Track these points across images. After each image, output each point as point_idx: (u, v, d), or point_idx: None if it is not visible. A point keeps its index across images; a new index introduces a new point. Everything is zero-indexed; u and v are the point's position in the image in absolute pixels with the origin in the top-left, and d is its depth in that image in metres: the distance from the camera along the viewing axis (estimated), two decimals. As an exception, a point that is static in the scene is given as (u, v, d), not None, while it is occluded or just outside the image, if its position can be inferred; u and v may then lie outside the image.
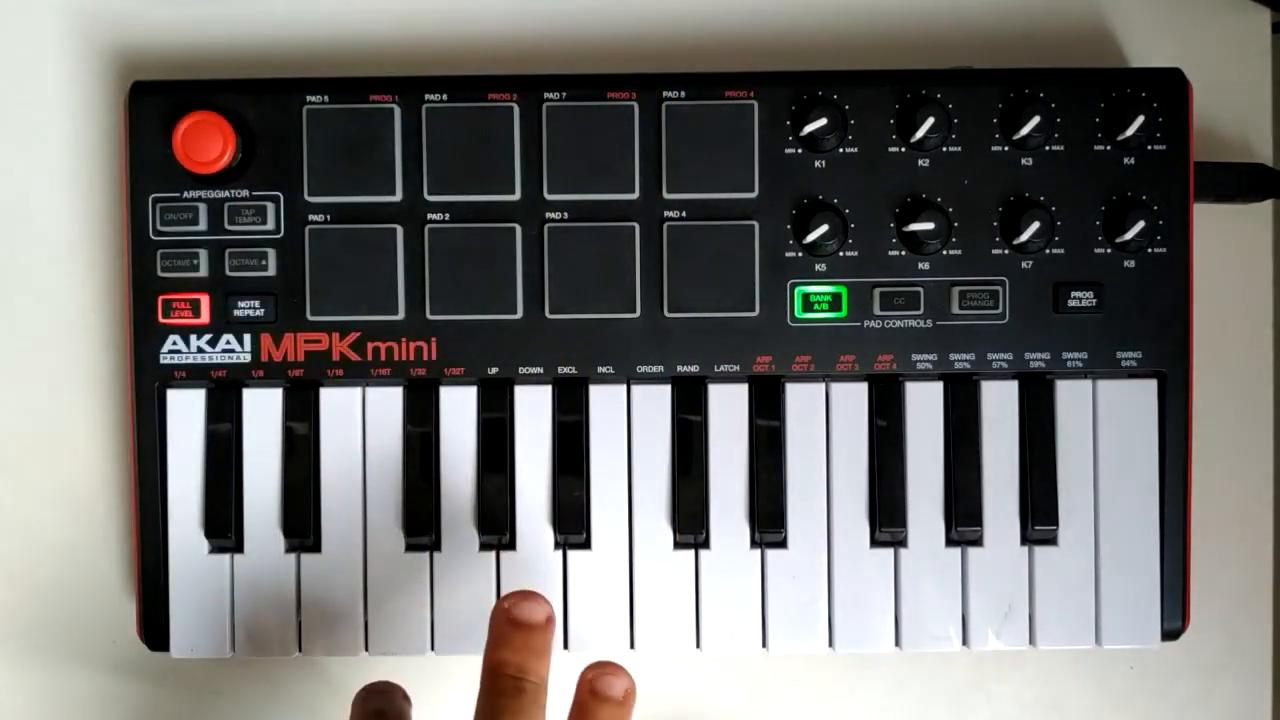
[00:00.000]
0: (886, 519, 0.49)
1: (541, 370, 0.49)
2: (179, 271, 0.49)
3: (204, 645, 0.49)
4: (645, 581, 0.49)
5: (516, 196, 0.49)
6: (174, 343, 0.49)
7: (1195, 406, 0.50)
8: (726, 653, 0.49)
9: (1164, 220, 0.49)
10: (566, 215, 0.49)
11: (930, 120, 0.48)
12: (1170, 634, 0.50)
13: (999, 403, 0.50)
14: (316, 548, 0.49)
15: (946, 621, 0.49)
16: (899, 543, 0.49)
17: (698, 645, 0.49)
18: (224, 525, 0.49)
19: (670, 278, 0.49)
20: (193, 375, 0.49)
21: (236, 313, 0.49)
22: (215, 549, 0.49)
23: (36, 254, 0.52)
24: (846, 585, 0.49)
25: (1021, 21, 0.53)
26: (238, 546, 0.49)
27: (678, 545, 0.49)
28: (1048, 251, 0.49)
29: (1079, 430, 0.49)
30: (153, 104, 0.49)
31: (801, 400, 0.49)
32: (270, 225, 0.49)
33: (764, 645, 0.49)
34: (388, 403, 0.49)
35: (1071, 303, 0.49)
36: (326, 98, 0.49)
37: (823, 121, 0.48)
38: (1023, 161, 0.49)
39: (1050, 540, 0.49)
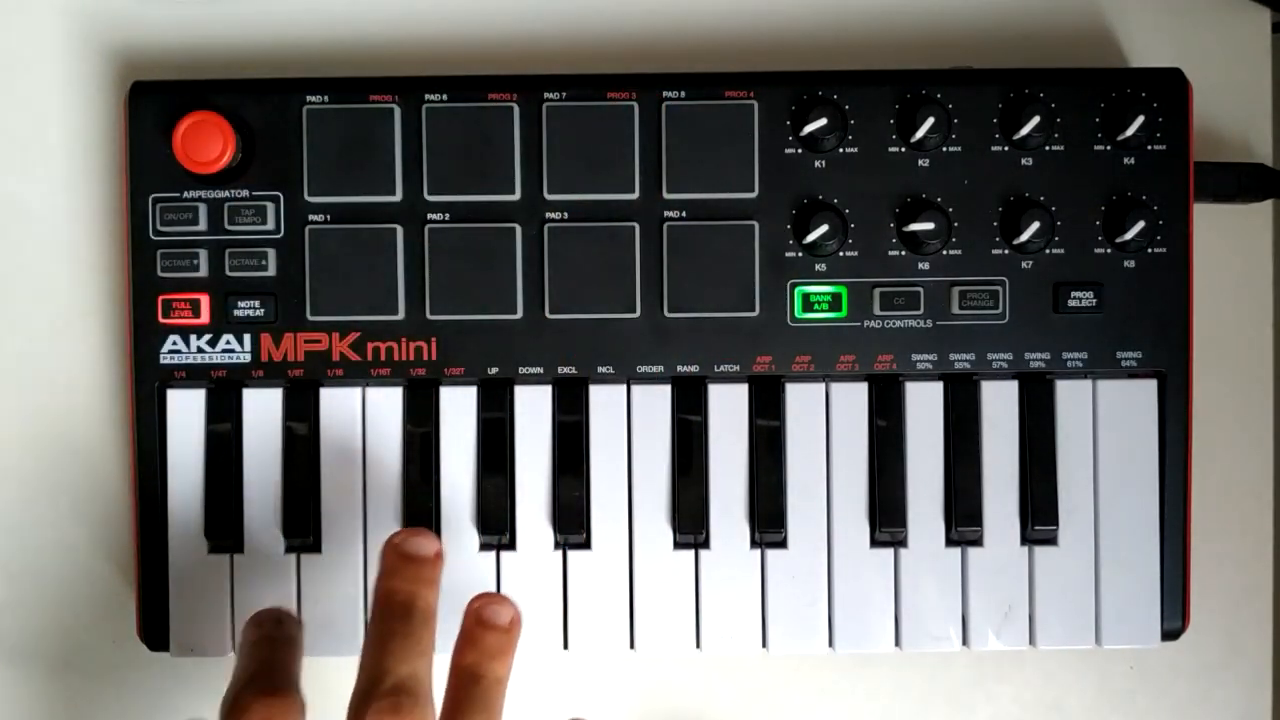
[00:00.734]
0: (886, 519, 0.49)
1: (541, 370, 0.49)
2: (179, 271, 0.49)
3: (204, 645, 0.49)
4: (645, 581, 0.49)
5: (516, 196, 0.49)
6: (174, 343, 0.49)
7: (1195, 406, 0.50)
8: (726, 653, 0.49)
9: (1164, 220, 0.49)
10: (566, 215, 0.49)
11: (930, 120, 0.48)
12: (1170, 634, 0.50)
13: (999, 403, 0.50)
14: (316, 548, 0.49)
15: (946, 621, 0.49)
16: (899, 543, 0.49)
17: (698, 645, 0.49)
18: (224, 525, 0.49)
19: (670, 278, 0.49)
20: (193, 375, 0.49)
21: (236, 313, 0.49)
22: (215, 549, 0.49)
23: (36, 254, 0.52)
24: (846, 585, 0.49)
25: (1021, 21, 0.53)
26: (238, 546, 0.49)
27: (678, 545, 0.49)
28: (1048, 251, 0.49)
29: (1079, 430, 0.49)
30: (153, 104, 0.49)
31: (801, 400, 0.49)
32: (270, 225, 0.49)
33: (764, 645, 0.49)
34: (388, 403, 0.49)
35: (1071, 303, 0.49)
36: (326, 98, 0.49)
37: (823, 121, 0.48)
38: (1023, 161, 0.49)
39: (1050, 540, 0.49)
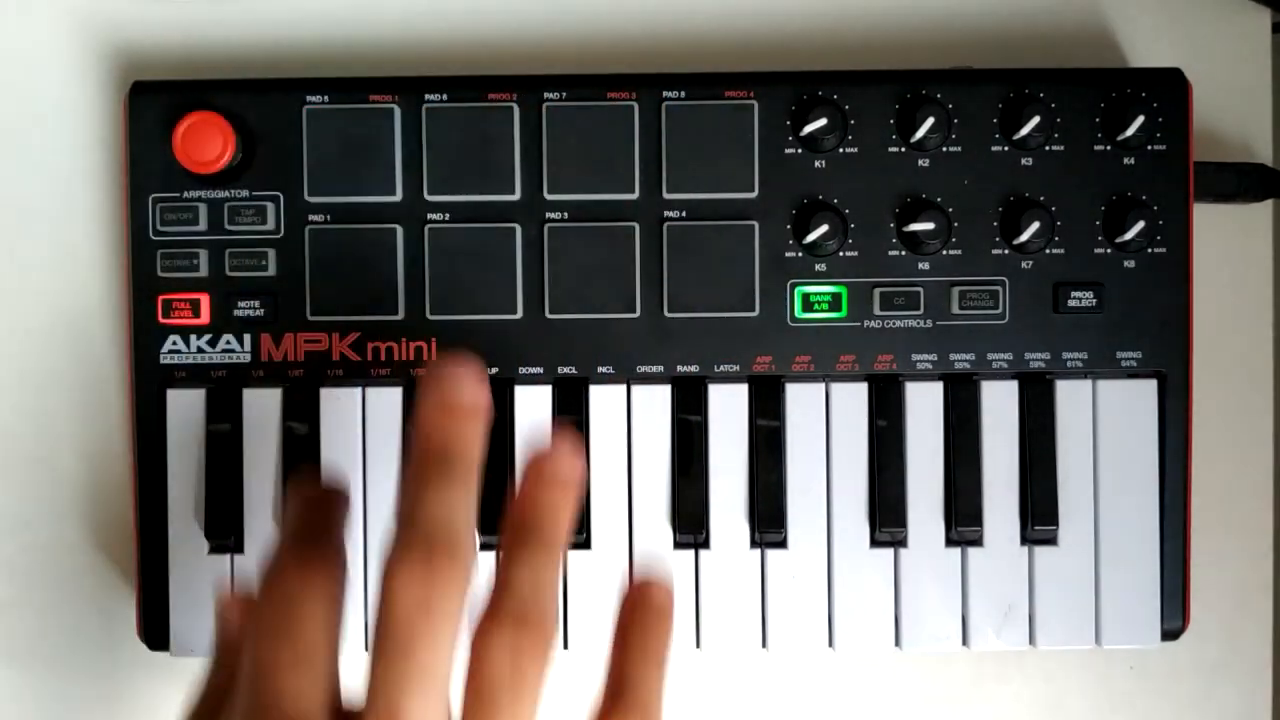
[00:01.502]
0: (886, 519, 0.49)
1: (541, 370, 0.49)
2: (179, 271, 0.49)
3: (204, 645, 0.49)
4: (645, 581, 0.49)
5: (516, 196, 0.49)
6: (174, 343, 0.49)
7: (1195, 406, 0.50)
8: (726, 653, 0.49)
9: (1164, 220, 0.49)
10: (566, 215, 0.49)
11: (930, 120, 0.48)
12: (1170, 634, 0.50)
13: (999, 403, 0.50)
14: (316, 548, 0.49)
15: (946, 621, 0.49)
16: (899, 543, 0.49)
17: (698, 645, 0.49)
18: (224, 525, 0.49)
19: (670, 278, 0.49)
20: (193, 375, 0.49)
21: (236, 313, 0.49)
22: (215, 549, 0.49)
23: (36, 254, 0.52)
24: (846, 585, 0.49)
25: (1021, 21, 0.53)
26: (238, 546, 0.49)
27: (677, 545, 0.49)
28: (1048, 251, 0.49)
29: (1079, 430, 0.49)
30: (153, 104, 0.49)
31: (801, 400, 0.49)
32: (270, 225, 0.49)
33: (764, 645, 0.49)
34: (388, 403, 0.49)
35: (1071, 303, 0.49)
36: (326, 98, 0.49)
37: (823, 121, 0.48)
38: (1023, 161, 0.49)
39: (1050, 540, 0.49)
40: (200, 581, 0.49)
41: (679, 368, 0.49)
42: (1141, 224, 0.48)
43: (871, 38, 0.53)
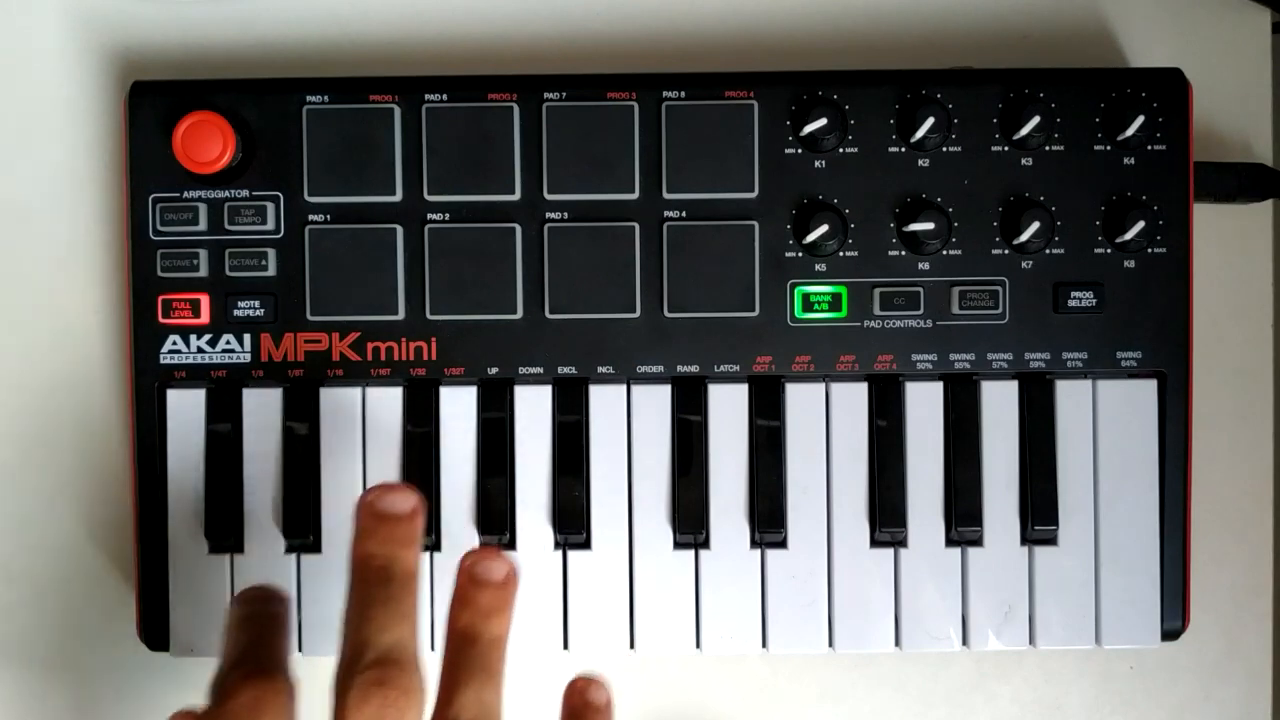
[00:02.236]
0: (886, 519, 0.49)
1: (541, 370, 0.49)
2: (179, 271, 0.49)
3: (204, 645, 0.49)
4: (645, 581, 0.49)
5: (516, 196, 0.49)
6: (174, 343, 0.49)
7: (1195, 406, 0.50)
8: (726, 653, 0.49)
9: (1164, 220, 0.49)
10: (566, 215, 0.49)
11: (930, 120, 0.48)
12: (1170, 634, 0.50)
13: (999, 403, 0.50)
14: (316, 548, 0.49)
15: (946, 621, 0.49)
16: (899, 543, 0.49)
17: (698, 645, 0.49)
18: (224, 525, 0.49)
19: (670, 278, 0.49)
20: (193, 375, 0.49)
21: (236, 313, 0.49)
22: (215, 549, 0.49)
23: (36, 254, 0.52)
24: (846, 585, 0.49)
25: (1021, 21, 0.53)
26: (238, 546, 0.49)
27: (678, 545, 0.49)
28: (1048, 251, 0.49)
29: (1079, 430, 0.49)
30: (153, 104, 0.49)
31: (801, 400, 0.49)
32: (270, 225, 0.49)
33: (764, 645, 0.49)
34: (388, 403, 0.49)
35: (1071, 303, 0.49)
36: (326, 98, 0.49)
37: (823, 121, 0.48)
38: (1023, 161, 0.49)
39: (1050, 540, 0.49)
40: (200, 581, 0.49)
41: (679, 368, 0.49)
42: (1141, 224, 0.48)
43: (871, 38, 0.53)
